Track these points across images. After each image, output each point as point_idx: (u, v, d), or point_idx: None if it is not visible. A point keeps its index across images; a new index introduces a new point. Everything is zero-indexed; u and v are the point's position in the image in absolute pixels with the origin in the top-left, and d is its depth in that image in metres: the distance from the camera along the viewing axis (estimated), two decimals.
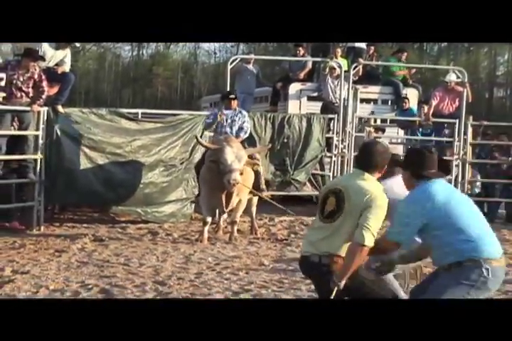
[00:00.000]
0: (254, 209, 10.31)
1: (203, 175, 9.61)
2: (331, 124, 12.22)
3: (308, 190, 12.23)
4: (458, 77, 12.90)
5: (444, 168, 4.78)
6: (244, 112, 10.31)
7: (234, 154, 9.06)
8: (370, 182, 4.60)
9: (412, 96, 14.16)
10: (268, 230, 10.45)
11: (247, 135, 10.16)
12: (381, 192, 4.56)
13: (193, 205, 11.10)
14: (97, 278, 7.43)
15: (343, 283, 4.41)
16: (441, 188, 4.60)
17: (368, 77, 14.11)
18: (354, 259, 4.44)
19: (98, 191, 10.34)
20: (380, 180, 4.77)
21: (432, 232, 4.53)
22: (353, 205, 4.51)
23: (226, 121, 9.95)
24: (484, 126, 12.88)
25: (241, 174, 9.09)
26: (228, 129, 9.96)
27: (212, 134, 10.48)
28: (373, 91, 14.02)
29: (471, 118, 12.45)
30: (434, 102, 12.89)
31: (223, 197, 9.27)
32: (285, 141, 11.70)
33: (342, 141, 12.01)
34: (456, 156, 12.30)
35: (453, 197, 4.63)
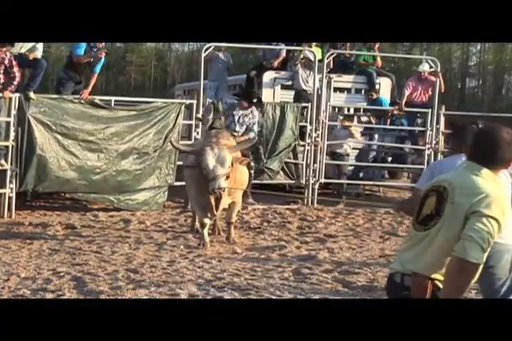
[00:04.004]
0: (236, 209, 9.05)
1: (189, 176, 8.73)
2: (305, 113, 12.24)
3: (281, 179, 12.25)
4: (431, 67, 12.96)
5: None
6: (256, 112, 10.07)
7: (215, 158, 8.03)
8: (487, 181, 3.38)
9: (385, 85, 14.22)
10: (241, 218, 10.46)
11: (252, 136, 9.82)
12: (501, 196, 3.36)
13: (166, 193, 11.08)
14: (68, 265, 7.40)
15: None
16: None
17: (342, 66, 14.12)
18: (454, 281, 3.25)
19: (70, 178, 10.30)
20: None
21: None
22: (456, 209, 3.31)
23: (238, 119, 9.73)
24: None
25: (227, 178, 8.10)
26: (238, 127, 9.73)
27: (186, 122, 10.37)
28: (347, 80, 14.04)
29: (443, 107, 12.52)
30: (407, 92, 12.98)
31: (212, 199, 8.21)
32: (259, 129, 11.68)
33: (315, 129, 12.02)
34: (428, 145, 12.38)
35: None
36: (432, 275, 3.35)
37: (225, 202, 8.44)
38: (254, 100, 10.01)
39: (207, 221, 8.53)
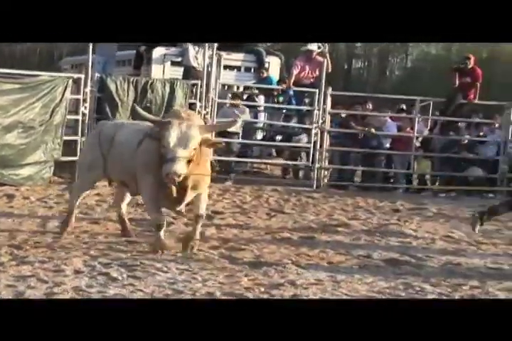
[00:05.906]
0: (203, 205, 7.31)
1: (146, 159, 6.91)
2: (194, 90, 12.24)
3: None
4: (319, 47, 13.17)
5: None
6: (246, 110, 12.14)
7: (179, 134, 6.48)
8: None
9: (274, 64, 14.38)
10: None
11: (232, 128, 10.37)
12: None
13: (52, 168, 10.92)
14: None
15: None
16: None
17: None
18: None
19: None
20: None
21: None
22: None
23: None
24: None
25: (189, 162, 6.54)
26: None
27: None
28: (237, 58, 14.12)
29: (330, 88, 12.76)
30: (295, 71, 13.17)
31: (174, 190, 6.78)
32: (148, 105, 11.62)
33: (205, 107, 12.05)
34: (315, 125, 12.61)
35: None
36: None
37: (188, 196, 6.97)
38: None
39: (163, 222, 7.11)
